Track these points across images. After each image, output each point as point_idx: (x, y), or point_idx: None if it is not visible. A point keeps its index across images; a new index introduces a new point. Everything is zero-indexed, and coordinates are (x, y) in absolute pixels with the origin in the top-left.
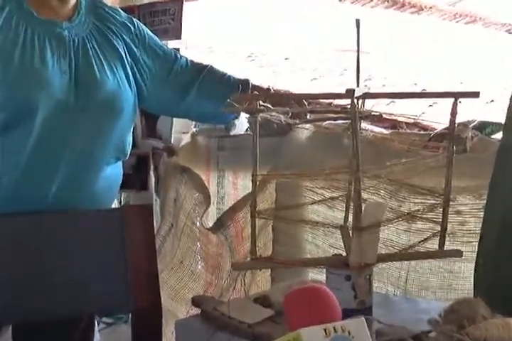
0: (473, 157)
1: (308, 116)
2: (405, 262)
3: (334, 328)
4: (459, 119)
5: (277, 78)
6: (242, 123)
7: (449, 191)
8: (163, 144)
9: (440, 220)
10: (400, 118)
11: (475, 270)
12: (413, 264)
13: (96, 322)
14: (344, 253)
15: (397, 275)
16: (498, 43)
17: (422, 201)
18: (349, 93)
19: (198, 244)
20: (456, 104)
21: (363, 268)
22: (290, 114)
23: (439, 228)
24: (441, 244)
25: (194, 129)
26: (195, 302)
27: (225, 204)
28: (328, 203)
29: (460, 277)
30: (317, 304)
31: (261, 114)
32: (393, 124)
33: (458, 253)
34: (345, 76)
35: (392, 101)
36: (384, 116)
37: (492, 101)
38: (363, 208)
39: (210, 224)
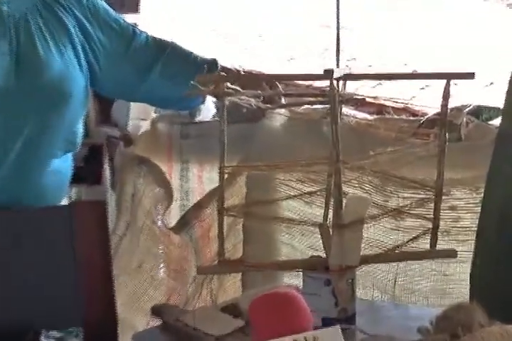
0: (468, 145)
1: (282, 100)
2: (393, 264)
3: (305, 339)
4: (453, 103)
5: (249, 57)
6: (208, 109)
7: (442, 184)
8: (119, 132)
9: (432, 216)
10: (386, 103)
11: (471, 271)
12: (402, 267)
13: (43, 337)
14: (324, 255)
15: (384, 279)
16: (498, 18)
17: (412, 195)
18: (327, 74)
19: (159, 245)
20: (449, 86)
21: (344, 271)
22: (262, 98)
23: (430, 225)
24: (433, 242)
25: (154, 115)
26: (156, 311)
27: (190, 200)
28: (306, 198)
29: (455, 280)
30: (286, 311)
31: (229, 98)
32: (379, 109)
33: (452, 253)
34: (327, 56)
35: (379, 84)
36: (368, 100)
37: (491, 83)
38: (344, 203)
39: (173, 223)
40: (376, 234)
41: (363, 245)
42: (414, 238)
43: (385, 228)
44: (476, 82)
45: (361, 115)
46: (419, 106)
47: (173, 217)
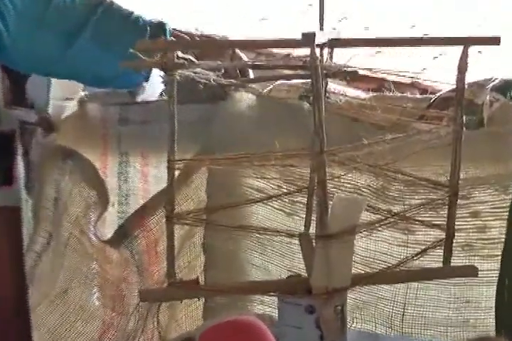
0: (492, 132)
1: (251, 74)
2: (400, 291)
3: None
4: (473, 77)
5: (207, 17)
6: (153, 85)
7: (457, 182)
8: (36, 116)
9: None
10: (387, 77)
11: (497, 295)
12: (412, 293)
13: None
14: (305, 274)
15: (388, 310)
16: None
17: (421, 200)
18: (307, 38)
19: (91, 264)
20: (467, 55)
21: (331, 295)
22: (224, 71)
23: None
24: (448, 257)
25: (83, 94)
26: None
27: (131, 205)
28: (286, 209)
29: (481, 308)
30: None
31: (180, 71)
32: (380, 85)
33: (472, 271)
34: (311, 14)
35: (379, 52)
36: (363, 73)
37: None
38: (330, 207)
39: (109, 235)
40: (374, 249)
41: (355, 261)
42: (424, 251)
43: (387, 243)
44: (502, 49)
45: (354, 93)
46: (431, 80)
47: (110, 226)
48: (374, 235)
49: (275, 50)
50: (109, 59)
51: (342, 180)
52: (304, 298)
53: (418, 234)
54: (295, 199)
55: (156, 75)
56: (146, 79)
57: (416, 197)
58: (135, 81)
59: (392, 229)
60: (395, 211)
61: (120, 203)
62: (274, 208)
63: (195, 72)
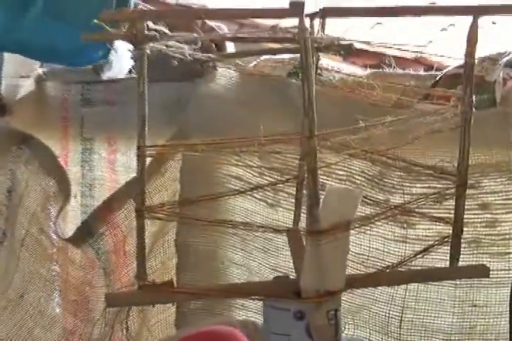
0: (506, 112)
1: (230, 48)
2: (398, 295)
3: None
4: (484, 51)
5: None
6: (120, 61)
7: (466, 169)
8: None
9: (452, 217)
10: (389, 51)
11: (511, 298)
12: (410, 297)
13: None
14: (293, 275)
15: (384, 315)
16: None
17: (424, 190)
18: (296, 7)
19: (51, 265)
20: (477, 26)
21: (323, 299)
22: (201, 44)
23: (450, 231)
24: (455, 256)
25: (41, 71)
26: None
27: (96, 197)
28: (270, 199)
29: (489, 313)
30: None
31: (152, 45)
32: (379, 61)
33: (483, 271)
34: None
35: (379, 23)
36: (360, 47)
37: None
38: (321, 199)
39: (71, 233)
40: (368, 245)
41: (350, 260)
42: (427, 249)
43: (383, 238)
44: None
45: (349, 70)
46: (437, 55)
47: (72, 222)
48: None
49: (260, 21)
50: (64, 30)
51: (334, 167)
52: (293, 302)
53: (418, 228)
54: (278, 188)
55: (124, 50)
56: (106, 55)
57: (417, 185)
58: (95, 57)
59: (389, 222)
60: (394, 202)
61: (84, 195)
62: (256, 198)
63: (168, 46)
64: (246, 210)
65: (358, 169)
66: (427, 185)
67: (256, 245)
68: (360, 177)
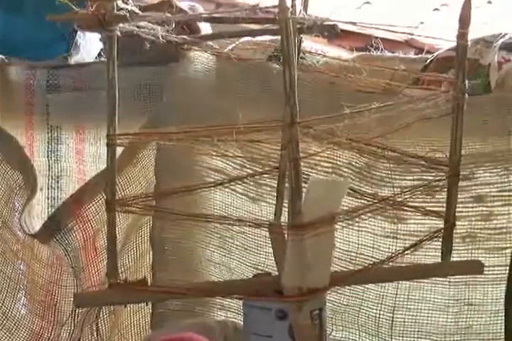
0: (502, 99)
1: (206, 29)
2: (389, 292)
3: None
4: (479, 33)
5: None
6: (88, 44)
7: (459, 159)
8: None
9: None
10: (377, 33)
11: (506, 295)
12: (402, 295)
13: None
14: (275, 272)
15: (374, 315)
16: None
17: (415, 177)
18: None
19: (16, 262)
20: (470, 5)
21: (306, 297)
22: (175, 25)
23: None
24: (447, 250)
25: (2, 56)
26: None
27: (64, 190)
28: (252, 193)
29: (485, 311)
30: None
31: (122, 25)
32: (367, 44)
33: (477, 267)
34: None
35: (367, 3)
36: (345, 28)
37: None
38: (304, 191)
39: (37, 227)
40: (356, 241)
41: (334, 257)
42: (418, 244)
43: (373, 234)
44: None
45: (335, 53)
46: (428, 37)
47: (38, 216)
48: (357, 225)
49: (239, 1)
50: (20, 23)
51: (318, 158)
52: (274, 300)
53: (409, 224)
54: (260, 181)
55: (92, 32)
56: (68, 48)
57: (408, 177)
58: (55, 50)
59: (378, 217)
60: (383, 195)
61: (50, 187)
62: (237, 192)
63: (139, 27)
64: (226, 205)
65: (344, 161)
66: (417, 177)
67: (236, 243)
68: (346, 170)
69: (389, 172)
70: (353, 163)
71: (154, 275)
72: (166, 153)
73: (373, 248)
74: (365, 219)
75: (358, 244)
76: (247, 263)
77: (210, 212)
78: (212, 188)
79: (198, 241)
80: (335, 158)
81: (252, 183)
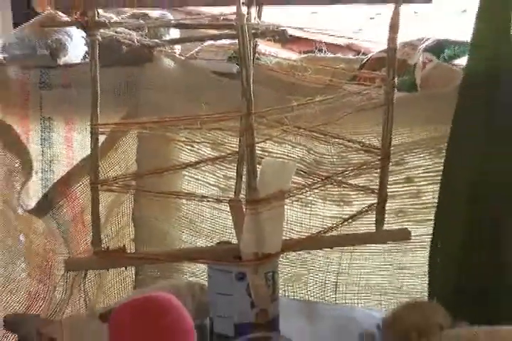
0: (425, 94)
1: (173, 34)
2: (334, 261)
3: None
4: (407, 37)
5: None
6: (76, 47)
7: (389, 143)
8: None
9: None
10: (324, 39)
11: (430, 259)
12: (345, 263)
13: None
14: (235, 240)
15: (321, 280)
16: None
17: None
18: None
19: (17, 234)
20: (398, 14)
21: (261, 261)
22: (147, 31)
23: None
24: (380, 221)
25: (1, 56)
26: (9, 324)
27: (55, 172)
28: (219, 179)
29: (414, 274)
30: (152, 325)
31: (102, 31)
32: (315, 47)
33: (405, 235)
34: None
35: (314, 13)
36: (297, 34)
37: (464, 11)
38: (258, 171)
39: (33, 205)
40: (308, 223)
41: (286, 228)
42: (356, 215)
43: (322, 216)
44: (447, 9)
45: (285, 54)
46: (365, 41)
47: (34, 195)
48: (308, 209)
49: (205, 10)
50: None
51: (274, 155)
52: (234, 265)
53: (353, 205)
54: (229, 175)
55: (79, 36)
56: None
57: (347, 156)
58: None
59: (326, 201)
60: (325, 174)
61: (44, 170)
62: (209, 184)
63: (117, 32)
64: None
65: (297, 157)
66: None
67: (203, 226)
68: (299, 165)
69: (333, 166)
70: (304, 159)
71: (137, 248)
72: (145, 141)
73: (323, 228)
74: (316, 203)
75: (310, 225)
76: (214, 243)
77: (184, 201)
78: (186, 182)
79: (171, 225)
80: (289, 155)
81: (221, 176)
